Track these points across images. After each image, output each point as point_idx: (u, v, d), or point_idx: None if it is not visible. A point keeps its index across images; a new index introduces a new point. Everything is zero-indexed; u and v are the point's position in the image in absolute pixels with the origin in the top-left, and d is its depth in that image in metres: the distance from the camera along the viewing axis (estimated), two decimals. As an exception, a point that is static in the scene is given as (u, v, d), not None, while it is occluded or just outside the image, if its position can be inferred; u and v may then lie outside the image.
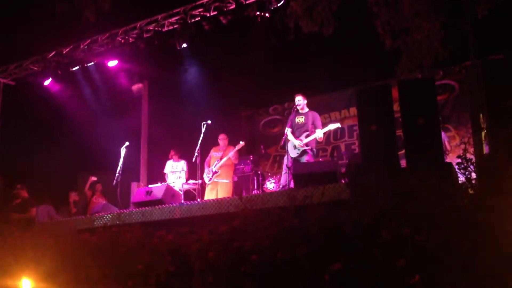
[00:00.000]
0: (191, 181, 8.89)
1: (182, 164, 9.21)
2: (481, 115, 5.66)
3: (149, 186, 8.15)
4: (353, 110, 10.88)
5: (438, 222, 3.41)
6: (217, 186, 8.64)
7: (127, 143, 8.73)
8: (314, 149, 7.67)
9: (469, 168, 3.95)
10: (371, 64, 9.47)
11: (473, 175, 4.06)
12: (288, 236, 3.73)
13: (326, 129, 7.67)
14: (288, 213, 4.09)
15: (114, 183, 8.32)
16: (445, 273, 2.82)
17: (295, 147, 7.63)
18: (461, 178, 4.29)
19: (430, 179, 3.92)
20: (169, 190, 7.40)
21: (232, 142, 9.06)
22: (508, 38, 6.05)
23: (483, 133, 5.44)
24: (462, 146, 8.23)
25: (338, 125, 7.82)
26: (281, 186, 7.86)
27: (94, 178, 10.23)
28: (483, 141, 5.42)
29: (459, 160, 4.21)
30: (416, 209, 3.63)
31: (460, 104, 9.70)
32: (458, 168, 4.12)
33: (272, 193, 6.06)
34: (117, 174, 8.35)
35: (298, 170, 6.53)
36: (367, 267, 3.05)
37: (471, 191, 3.89)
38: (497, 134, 4.29)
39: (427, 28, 6.96)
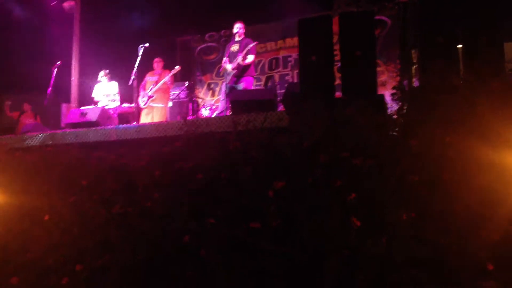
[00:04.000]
0: (125, 105, 8.78)
1: (114, 86, 9.01)
2: (412, 51, 5.95)
3: (83, 107, 7.98)
4: (289, 41, 10.99)
5: (372, 148, 3.67)
6: (153, 111, 8.60)
7: (59, 63, 8.41)
8: (253, 75, 7.79)
9: (402, 99, 4.22)
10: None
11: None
12: (232, 158, 3.88)
13: (248, 60, 7.71)
14: (231, 137, 4.22)
15: (45, 103, 8.06)
16: (379, 193, 3.09)
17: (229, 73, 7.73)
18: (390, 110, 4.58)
19: (365, 109, 4.15)
20: (105, 112, 7.30)
21: (167, 67, 8.96)
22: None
23: (413, 68, 5.76)
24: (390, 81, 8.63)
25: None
26: (218, 112, 7.97)
27: (8, 102, 9.93)
28: (413, 75, 5.74)
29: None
30: (351, 136, 3.86)
31: (391, 40, 10.01)
32: (392, 99, 4.38)
33: (215, 118, 6.16)
34: (48, 94, 8.08)
35: (236, 97, 6.62)
36: (308, 185, 3.27)
37: (402, 120, 4.18)
38: (429, 67, 4.55)
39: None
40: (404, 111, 4.28)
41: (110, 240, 3.69)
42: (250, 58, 7.63)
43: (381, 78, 9.46)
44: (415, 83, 5.57)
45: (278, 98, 7.35)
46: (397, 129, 4.08)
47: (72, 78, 10.26)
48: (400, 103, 4.33)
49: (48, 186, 4.49)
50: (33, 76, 9.73)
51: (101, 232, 3.77)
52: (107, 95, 8.94)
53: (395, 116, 4.31)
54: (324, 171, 3.45)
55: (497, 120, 3.03)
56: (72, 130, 6.69)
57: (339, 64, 5.61)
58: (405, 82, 5.73)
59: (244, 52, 7.58)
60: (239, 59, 7.58)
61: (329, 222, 2.97)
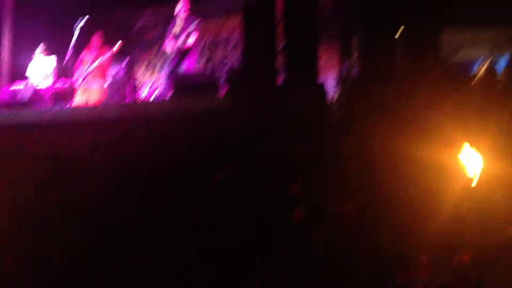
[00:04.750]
0: (58, 84, 8.40)
1: (51, 62, 8.59)
2: (353, 37, 6.02)
3: (13, 87, 7.57)
4: (231, 22, 10.86)
5: (313, 137, 3.72)
6: (89, 91, 8.30)
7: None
8: (194, 58, 7.70)
9: (342, 87, 4.29)
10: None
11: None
12: (173, 143, 3.83)
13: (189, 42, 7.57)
14: (171, 122, 4.17)
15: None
16: (320, 184, 3.15)
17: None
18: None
19: (305, 96, 4.21)
20: (37, 92, 6.99)
21: (106, 44, 8.64)
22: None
23: (353, 55, 5.83)
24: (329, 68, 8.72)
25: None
26: (157, 94, 7.81)
27: None
28: (353, 63, 5.81)
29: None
30: (292, 124, 3.90)
31: (331, 25, 10.07)
32: (331, 86, 4.44)
33: (155, 102, 6.04)
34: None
35: (177, 80, 6.51)
36: (252, 171, 3.29)
37: (341, 109, 4.25)
38: (368, 55, 4.64)
39: None
40: (343, 99, 4.36)
41: (48, 228, 3.56)
42: (192, 39, 7.49)
43: (321, 63, 9.52)
44: (355, 71, 5.65)
45: (220, 82, 7.29)
46: (337, 117, 4.15)
47: (2, 54, 9.70)
48: (339, 91, 4.40)
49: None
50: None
51: (37, 220, 3.63)
52: (42, 73, 8.51)
53: (334, 105, 4.39)
54: (265, 159, 3.47)
55: (435, 115, 3.13)
56: (2, 111, 6.36)
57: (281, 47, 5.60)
58: (344, 69, 5.81)
59: (186, 33, 7.45)
60: (180, 41, 7.44)
61: (272, 212, 3.00)
